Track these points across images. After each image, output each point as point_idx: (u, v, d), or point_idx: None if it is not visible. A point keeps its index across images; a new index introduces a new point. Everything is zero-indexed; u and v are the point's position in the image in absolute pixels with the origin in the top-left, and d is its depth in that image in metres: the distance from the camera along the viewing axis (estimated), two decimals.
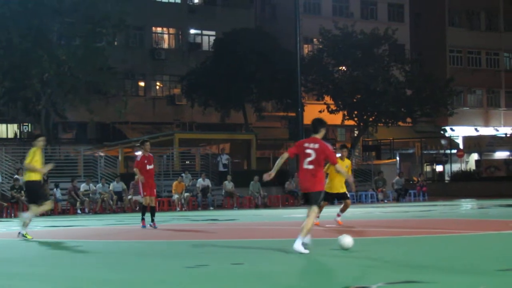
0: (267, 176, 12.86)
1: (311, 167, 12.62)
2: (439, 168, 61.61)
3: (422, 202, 41.80)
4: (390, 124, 53.90)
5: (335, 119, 52.89)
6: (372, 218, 24.43)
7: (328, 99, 53.64)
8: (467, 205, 34.86)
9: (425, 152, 59.75)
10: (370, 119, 53.56)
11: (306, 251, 12.29)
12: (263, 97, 54.04)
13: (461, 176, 56.19)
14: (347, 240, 12.66)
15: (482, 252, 12.71)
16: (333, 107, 53.07)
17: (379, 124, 54.46)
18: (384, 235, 16.70)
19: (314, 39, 60.09)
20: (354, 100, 52.72)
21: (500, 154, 62.88)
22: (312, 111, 55.95)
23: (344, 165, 20.21)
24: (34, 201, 17.36)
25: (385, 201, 44.29)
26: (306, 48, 60.27)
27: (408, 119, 54.33)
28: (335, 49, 52.81)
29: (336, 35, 53.01)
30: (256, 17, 62.23)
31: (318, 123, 12.90)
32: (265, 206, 41.23)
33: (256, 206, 40.88)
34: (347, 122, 54.70)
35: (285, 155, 12.87)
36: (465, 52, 70.18)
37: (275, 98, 54.73)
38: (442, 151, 60.21)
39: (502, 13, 71.84)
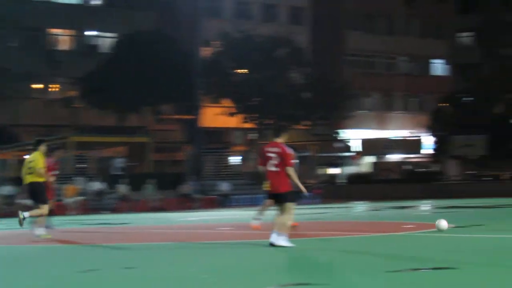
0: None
1: (275, 169, 14.06)
2: (334, 170, 62.46)
3: (316, 204, 42.31)
4: (289, 127, 54.52)
5: (232, 121, 53.04)
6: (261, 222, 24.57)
7: (227, 102, 53.80)
8: (361, 207, 35.48)
9: (321, 155, 60.43)
10: (269, 122, 54.01)
11: (291, 245, 13.77)
12: (162, 100, 53.80)
13: (357, 179, 57.21)
14: (442, 223, 16.33)
15: (373, 254, 12.97)
16: (232, 110, 53.26)
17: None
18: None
19: (214, 42, 60.16)
20: (253, 103, 53.05)
21: (395, 157, 64.28)
22: (211, 114, 56.13)
23: None
24: (43, 201, 17.83)
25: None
26: (207, 51, 60.29)
27: (306, 122, 54.95)
28: (236, 52, 53.02)
29: (237, 38, 53.23)
30: (156, 19, 61.85)
31: (279, 129, 14.84)
32: (160, 209, 41.04)
33: (151, 209, 40.64)
34: (245, 125, 54.96)
35: (260, 168, 14.49)
36: (362, 56, 71.37)
37: (174, 101, 54.56)
38: (337, 154, 61.08)
39: (401, 17, 73.29)
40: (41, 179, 17.88)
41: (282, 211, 14.07)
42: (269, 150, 14.22)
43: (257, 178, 49.30)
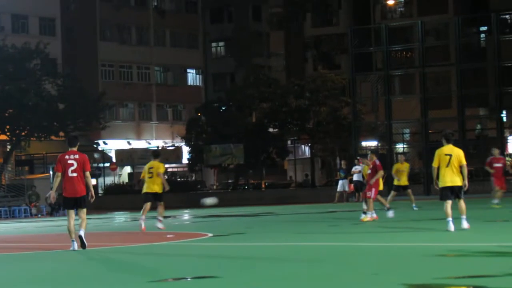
0: (53, 199, 17.46)
1: (75, 174, 15.90)
2: (93, 181, 61.82)
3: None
4: (43, 138, 53.66)
5: None
6: (25, 233, 24.06)
7: None
8: (120, 218, 35.44)
9: None
10: (23, 133, 52.98)
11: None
12: None
13: (114, 189, 57.04)
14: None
15: (135, 264, 13.05)
16: None
17: (31, 139, 53.97)
18: (40, 250, 16.54)
19: None
20: (6, 115, 51.84)
21: None
22: None
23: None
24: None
25: (39, 215, 44.04)
26: None
27: (61, 133, 54.16)
28: None
29: None
30: None
31: (74, 139, 16.80)
32: None
33: None
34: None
35: (58, 174, 16.00)
36: (117, 66, 71.28)
37: None
38: (95, 165, 60.57)
39: (152, 29, 73.92)
40: None
41: (81, 213, 16.01)
42: (69, 157, 15.97)
43: (17, 190, 48.14)
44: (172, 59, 74.04)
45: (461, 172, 16.71)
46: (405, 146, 50.29)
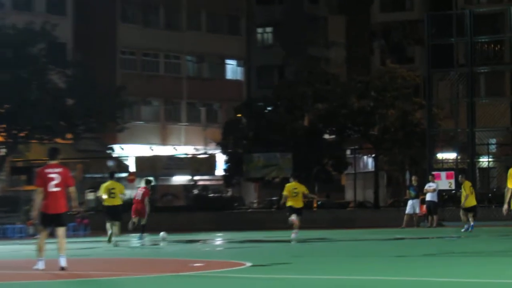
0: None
1: (58, 189, 17.51)
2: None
3: (83, 237, 41.99)
4: (46, 141, 53.69)
5: None
6: (20, 258, 24.21)
7: None
8: (137, 241, 35.56)
9: (88, 175, 59.84)
10: (21, 134, 53.01)
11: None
12: None
13: (130, 205, 57.12)
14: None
15: None
16: None
17: (32, 141, 54.06)
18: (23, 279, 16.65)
19: None
20: (1, 111, 52.01)
21: (179, 179, 64.57)
22: None
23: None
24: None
25: (37, 236, 44.04)
26: None
27: (69, 135, 54.41)
28: None
29: None
30: None
31: (55, 151, 18.23)
32: None
33: None
34: None
35: (39, 190, 17.61)
36: (139, 54, 71.45)
37: None
38: (107, 175, 60.67)
39: (184, 9, 74.00)
40: None
41: (61, 231, 17.84)
42: (51, 171, 17.58)
43: (11, 204, 48.36)
44: (207, 47, 74.04)
45: None
46: (490, 159, 49.90)
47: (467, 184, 33.69)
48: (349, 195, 62.98)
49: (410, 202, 41.20)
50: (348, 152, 58.08)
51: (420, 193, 40.26)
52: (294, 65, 69.17)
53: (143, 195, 34.63)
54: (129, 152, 64.81)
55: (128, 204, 36.75)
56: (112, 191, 26.35)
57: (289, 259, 21.47)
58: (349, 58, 76.37)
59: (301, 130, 58.05)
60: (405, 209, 41.75)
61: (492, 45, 56.28)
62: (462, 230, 31.94)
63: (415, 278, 16.06)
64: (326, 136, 58.81)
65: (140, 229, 34.58)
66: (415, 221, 41.37)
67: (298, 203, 30.33)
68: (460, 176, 36.91)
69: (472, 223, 32.41)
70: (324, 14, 77.95)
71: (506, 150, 47.59)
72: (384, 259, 20.85)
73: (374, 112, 55.62)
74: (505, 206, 16.76)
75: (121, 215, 30.08)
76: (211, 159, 62.76)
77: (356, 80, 57.95)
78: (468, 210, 30.94)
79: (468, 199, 31.71)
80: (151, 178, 40.38)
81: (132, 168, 60.68)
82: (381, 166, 59.58)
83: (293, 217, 30.22)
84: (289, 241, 29.96)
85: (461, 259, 19.38)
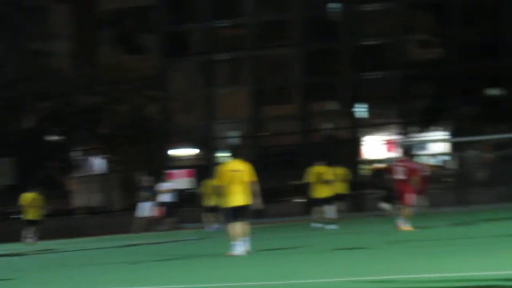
0: None
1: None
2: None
3: None
4: None
5: None
6: None
7: None
8: None
9: None
10: None
11: None
12: None
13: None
14: None
15: None
16: None
17: None
18: None
19: None
20: None
21: None
22: None
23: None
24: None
25: None
26: None
27: None
28: None
29: None
30: None
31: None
32: None
33: None
34: None
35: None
36: None
37: None
38: None
39: None
40: None
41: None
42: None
43: None
44: None
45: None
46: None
47: (209, 183, 34.19)
48: (78, 201, 62.39)
49: (141, 205, 41.16)
50: (80, 153, 57.78)
51: (155, 194, 40.33)
52: (13, 61, 68.14)
53: None
54: None
55: None
56: None
57: (11, 274, 20.45)
58: (76, 51, 75.69)
59: (24, 131, 57.34)
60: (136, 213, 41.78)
61: (230, 29, 56.95)
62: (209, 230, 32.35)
63: (151, 287, 15.52)
64: (56, 138, 58.28)
65: None
66: (148, 224, 41.28)
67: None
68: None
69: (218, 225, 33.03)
70: (46, 4, 77.01)
71: (248, 143, 48.24)
72: (114, 270, 20.22)
73: (103, 109, 55.37)
74: None
75: None
76: None
77: (83, 75, 57.57)
78: (210, 210, 31.84)
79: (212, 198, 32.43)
80: None
81: None
82: (114, 167, 59.36)
83: None
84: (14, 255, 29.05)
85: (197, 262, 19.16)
